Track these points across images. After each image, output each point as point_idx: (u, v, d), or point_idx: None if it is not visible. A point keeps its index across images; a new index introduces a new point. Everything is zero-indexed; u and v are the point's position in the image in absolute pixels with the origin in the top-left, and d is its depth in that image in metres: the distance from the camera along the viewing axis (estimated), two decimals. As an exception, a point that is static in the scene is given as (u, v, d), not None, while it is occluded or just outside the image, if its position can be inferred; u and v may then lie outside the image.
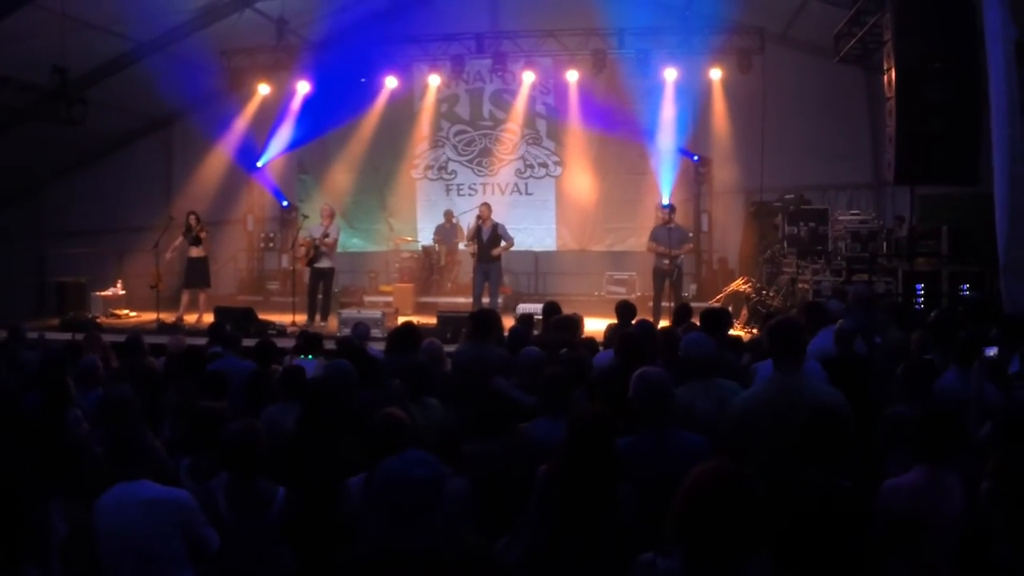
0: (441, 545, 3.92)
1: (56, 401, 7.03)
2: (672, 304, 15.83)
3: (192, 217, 18.28)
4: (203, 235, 18.19)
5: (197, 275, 18.30)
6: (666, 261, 16.63)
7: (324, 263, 17.68)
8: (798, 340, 5.91)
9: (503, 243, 17.72)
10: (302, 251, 17.73)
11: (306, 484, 5.82)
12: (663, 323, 13.89)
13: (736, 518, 3.21)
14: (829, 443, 4.78)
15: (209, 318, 17.14)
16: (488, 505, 5.30)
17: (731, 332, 11.40)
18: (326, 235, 17.72)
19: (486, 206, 18.13)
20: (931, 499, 4.93)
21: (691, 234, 19.90)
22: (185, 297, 18.42)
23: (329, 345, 11.41)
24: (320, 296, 17.86)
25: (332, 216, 18.05)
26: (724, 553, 3.21)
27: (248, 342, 11.18)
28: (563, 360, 7.62)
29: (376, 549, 3.95)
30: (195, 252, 18.23)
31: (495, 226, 17.70)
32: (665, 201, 20.04)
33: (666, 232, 16.78)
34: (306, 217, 18.64)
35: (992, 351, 7.32)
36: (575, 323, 10.23)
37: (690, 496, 3.30)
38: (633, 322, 10.37)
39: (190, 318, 18.09)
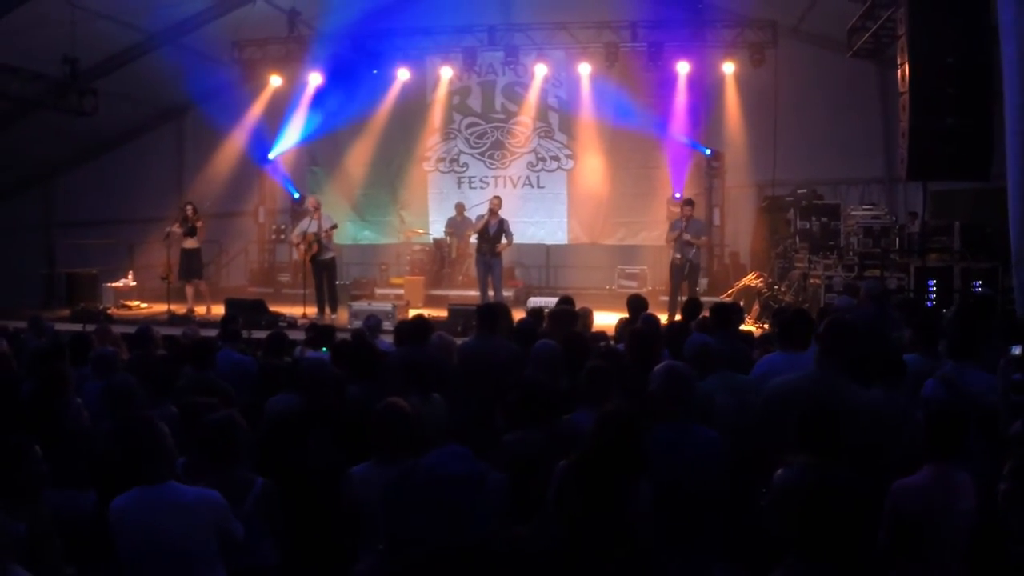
0: (491, 539, 3.92)
1: (49, 390, 6.99)
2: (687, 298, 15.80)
3: (189, 207, 18.24)
4: (199, 225, 18.14)
5: (190, 266, 18.28)
6: (677, 255, 16.55)
7: (326, 255, 17.65)
8: (852, 341, 5.93)
9: (504, 240, 17.69)
10: (302, 248, 17.66)
11: (289, 475, 5.85)
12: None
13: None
14: (823, 437, 4.76)
15: (217, 309, 17.41)
16: (526, 494, 5.28)
17: (742, 327, 11.40)
18: (335, 226, 17.75)
19: (497, 199, 18.07)
20: (941, 498, 4.89)
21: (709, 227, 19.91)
22: (189, 289, 18.43)
23: (343, 337, 11.38)
24: (329, 289, 17.81)
25: (319, 207, 17.94)
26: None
27: (259, 334, 11.21)
28: (601, 352, 7.59)
29: (431, 548, 3.93)
30: (189, 243, 18.18)
31: (501, 221, 17.67)
32: (678, 195, 20.07)
33: (687, 225, 16.71)
34: (314, 210, 18.51)
35: (1017, 349, 7.24)
36: (574, 316, 10.12)
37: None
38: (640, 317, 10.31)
39: (200, 309, 18.12)
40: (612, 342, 10.11)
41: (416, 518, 4.77)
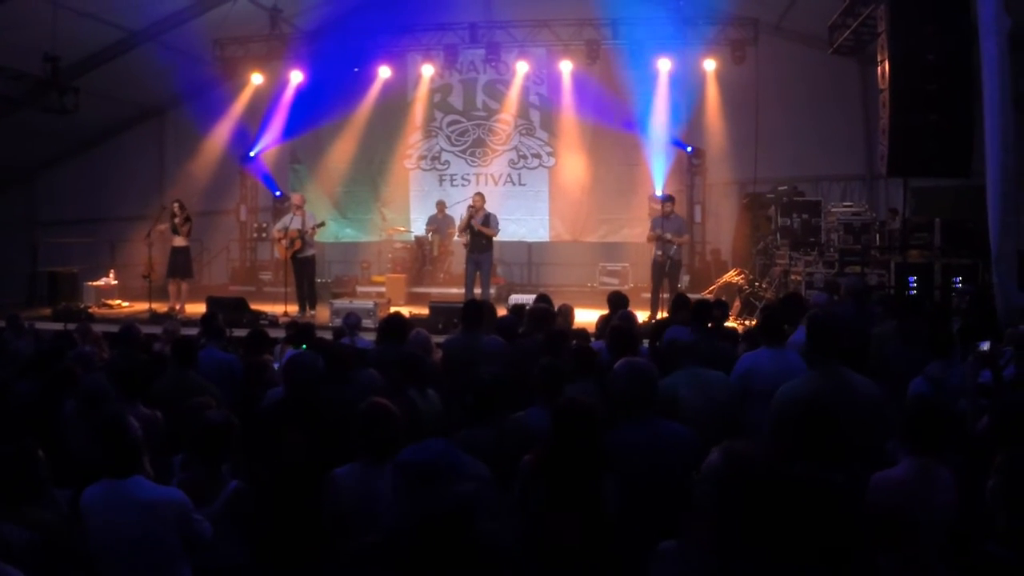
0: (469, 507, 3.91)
1: (55, 392, 6.95)
2: (670, 295, 15.79)
3: (175, 205, 18.15)
4: (177, 222, 17.95)
5: (178, 265, 18.17)
6: (658, 252, 16.49)
7: (307, 252, 17.63)
8: (834, 333, 5.94)
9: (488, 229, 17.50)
10: (284, 243, 17.61)
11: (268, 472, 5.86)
12: (662, 315, 14.02)
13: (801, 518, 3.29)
14: (822, 438, 4.77)
15: (190, 308, 17.49)
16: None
17: (726, 323, 11.43)
18: (322, 224, 17.76)
19: (479, 196, 17.93)
20: (920, 492, 4.90)
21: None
22: (172, 287, 18.28)
23: (323, 336, 11.38)
24: (307, 286, 17.78)
25: (303, 204, 17.90)
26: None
27: (240, 332, 11.22)
28: (572, 351, 7.60)
29: (414, 517, 3.92)
30: (177, 242, 18.11)
31: (487, 216, 17.51)
32: (659, 192, 20.09)
33: (664, 223, 16.63)
34: (298, 207, 18.39)
35: (985, 345, 7.30)
36: (552, 315, 10.12)
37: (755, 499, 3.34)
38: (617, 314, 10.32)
39: (179, 307, 18.01)
40: (593, 339, 10.13)
41: (395, 507, 4.76)
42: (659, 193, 20.37)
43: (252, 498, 5.47)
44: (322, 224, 17.76)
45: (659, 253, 16.49)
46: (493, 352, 8.44)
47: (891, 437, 5.74)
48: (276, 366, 9.39)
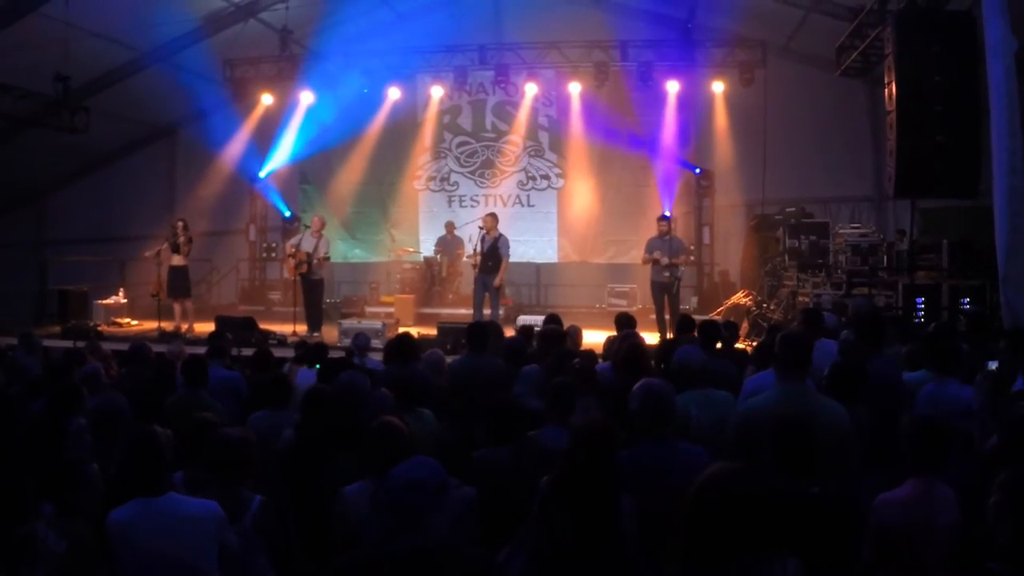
0: (438, 549, 3.94)
1: (61, 409, 6.96)
2: (671, 317, 15.84)
3: (179, 224, 18.04)
4: (181, 241, 17.77)
5: (176, 285, 17.97)
6: (666, 274, 16.42)
7: (317, 275, 17.51)
8: (805, 352, 5.94)
9: (502, 263, 17.25)
10: (293, 262, 17.45)
11: (301, 492, 5.85)
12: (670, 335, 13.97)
13: (739, 520, 3.28)
14: (796, 453, 4.79)
15: (200, 327, 17.45)
16: (496, 512, 5.31)
17: (735, 345, 11.43)
18: (329, 258, 17.81)
19: (490, 217, 17.65)
20: (924, 512, 4.91)
21: (691, 247, 19.78)
22: (177, 307, 18.17)
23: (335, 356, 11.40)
24: (311, 307, 17.73)
25: (321, 228, 17.75)
26: (726, 556, 3.28)
27: (249, 351, 11.24)
28: (574, 369, 7.63)
29: (372, 552, 3.96)
30: (175, 261, 17.89)
31: (497, 238, 17.29)
32: (667, 213, 20.12)
33: (663, 243, 16.58)
34: (307, 227, 18.33)
35: (993, 364, 7.31)
36: (562, 336, 10.16)
37: (696, 501, 3.37)
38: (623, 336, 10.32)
39: (183, 326, 17.99)
40: (600, 359, 10.14)
41: (377, 526, 4.78)
42: (667, 215, 20.44)
43: (277, 513, 5.48)
44: (327, 258, 17.67)
45: (667, 275, 16.45)
46: (496, 375, 8.45)
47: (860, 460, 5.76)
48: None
